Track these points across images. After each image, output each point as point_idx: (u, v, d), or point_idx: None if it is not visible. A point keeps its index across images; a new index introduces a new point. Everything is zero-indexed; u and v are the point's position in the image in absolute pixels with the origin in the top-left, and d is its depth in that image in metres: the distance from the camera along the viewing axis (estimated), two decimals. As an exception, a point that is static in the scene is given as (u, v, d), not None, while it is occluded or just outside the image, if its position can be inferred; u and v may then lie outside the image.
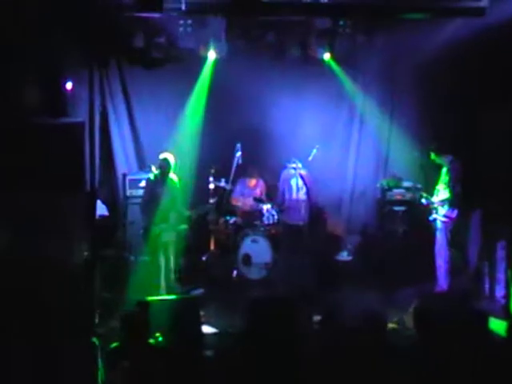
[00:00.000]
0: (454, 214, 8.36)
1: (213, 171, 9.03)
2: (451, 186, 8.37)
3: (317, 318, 5.81)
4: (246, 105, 9.36)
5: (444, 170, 8.53)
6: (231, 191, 9.45)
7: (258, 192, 9.67)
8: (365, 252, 9.55)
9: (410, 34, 8.64)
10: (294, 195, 9.11)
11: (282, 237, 9.24)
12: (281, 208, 9.24)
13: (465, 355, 4.66)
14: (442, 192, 8.48)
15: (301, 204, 9.08)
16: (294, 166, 9.09)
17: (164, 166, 8.36)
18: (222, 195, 9.28)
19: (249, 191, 9.65)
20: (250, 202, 9.54)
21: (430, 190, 8.64)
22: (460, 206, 8.39)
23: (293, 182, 9.15)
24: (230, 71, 9.03)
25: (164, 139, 9.03)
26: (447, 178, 8.44)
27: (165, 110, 9.53)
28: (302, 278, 8.65)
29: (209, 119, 9.54)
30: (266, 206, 9.29)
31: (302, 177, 9.06)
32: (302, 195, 9.10)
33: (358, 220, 10.15)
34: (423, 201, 8.56)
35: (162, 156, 8.41)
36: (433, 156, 8.55)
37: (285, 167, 9.32)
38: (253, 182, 9.62)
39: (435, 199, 8.45)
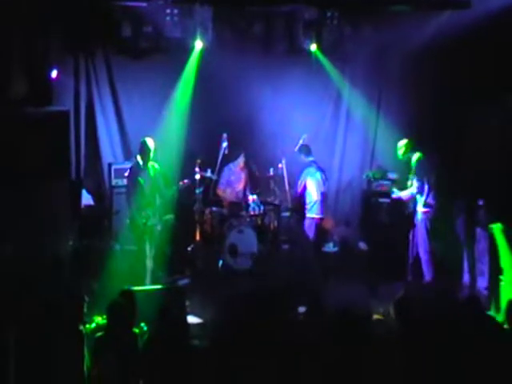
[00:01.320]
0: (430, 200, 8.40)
1: (199, 161, 9.01)
2: (417, 179, 8.38)
3: (302, 309, 5.96)
4: (232, 95, 9.33)
5: (412, 164, 8.52)
6: (217, 181, 9.46)
7: (243, 177, 9.60)
8: (351, 243, 9.58)
9: (397, 25, 8.71)
10: (322, 188, 8.99)
11: (293, 230, 9.26)
12: (297, 203, 9.09)
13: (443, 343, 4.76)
14: (411, 185, 8.51)
15: (326, 197, 9.08)
16: (312, 159, 9.03)
17: (143, 149, 8.27)
18: (209, 185, 9.30)
19: (235, 178, 9.58)
20: (235, 191, 9.51)
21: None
22: (436, 197, 8.42)
23: (318, 176, 8.98)
24: (217, 61, 9.00)
25: (150, 129, 8.93)
26: (414, 172, 8.46)
27: (151, 99, 9.42)
28: (288, 268, 8.75)
29: (195, 109, 9.48)
30: (252, 197, 9.32)
31: (322, 170, 9.04)
32: (325, 189, 9.08)
33: (344, 211, 10.21)
34: (393, 195, 8.71)
35: (142, 140, 8.36)
36: (400, 157, 8.62)
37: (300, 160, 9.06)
38: (240, 164, 9.52)
39: (404, 193, 8.51)
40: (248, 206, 9.35)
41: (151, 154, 8.27)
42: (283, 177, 9.25)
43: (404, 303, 5.16)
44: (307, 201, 9.01)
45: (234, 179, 9.62)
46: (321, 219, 9.06)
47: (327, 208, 9.36)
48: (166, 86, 9.43)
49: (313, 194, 8.95)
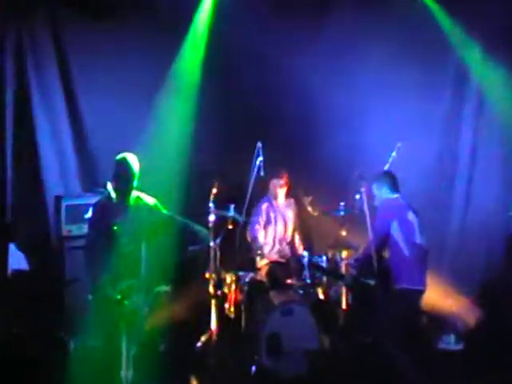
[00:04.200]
0: None
1: (214, 190, 8.22)
2: None
3: None
4: (266, 78, 9.04)
5: None
6: (246, 224, 8.72)
7: (291, 216, 9.01)
8: (487, 334, 8.32)
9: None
10: (418, 239, 8.11)
11: (378, 309, 8.25)
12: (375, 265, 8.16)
13: None
14: None
15: (426, 254, 8.17)
16: (398, 196, 8.29)
17: (121, 173, 7.32)
18: (231, 232, 8.47)
19: (276, 216, 9.01)
20: (278, 238, 8.98)
21: None
22: None
23: (411, 217, 8.08)
24: (240, 22, 8.63)
25: (129, 139, 8.10)
26: None
27: (129, 88, 8.79)
28: (368, 378, 7.25)
29: (205, 102, 9.03)
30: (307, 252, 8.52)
31: (414, 210, 8.16)
32: (423, 240, 8.19)
33: (475, 271, 9.07)
34: None
35: (118, 157, 7.45)
36: None
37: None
38: (280, 194, 8.91)
39: None
40: (302, 266, 8.36)
41: (135, 182, 7.38)
42: (364, 215, 7.93)
43: None
44: (393, 261, 8.06)
45: (274, 217, 9.07)
46: (420, 292, 8.08)
47: (439, 272, 8.48)
48: (155, 66, 8.90)
49: (403, 249, 7.98)
